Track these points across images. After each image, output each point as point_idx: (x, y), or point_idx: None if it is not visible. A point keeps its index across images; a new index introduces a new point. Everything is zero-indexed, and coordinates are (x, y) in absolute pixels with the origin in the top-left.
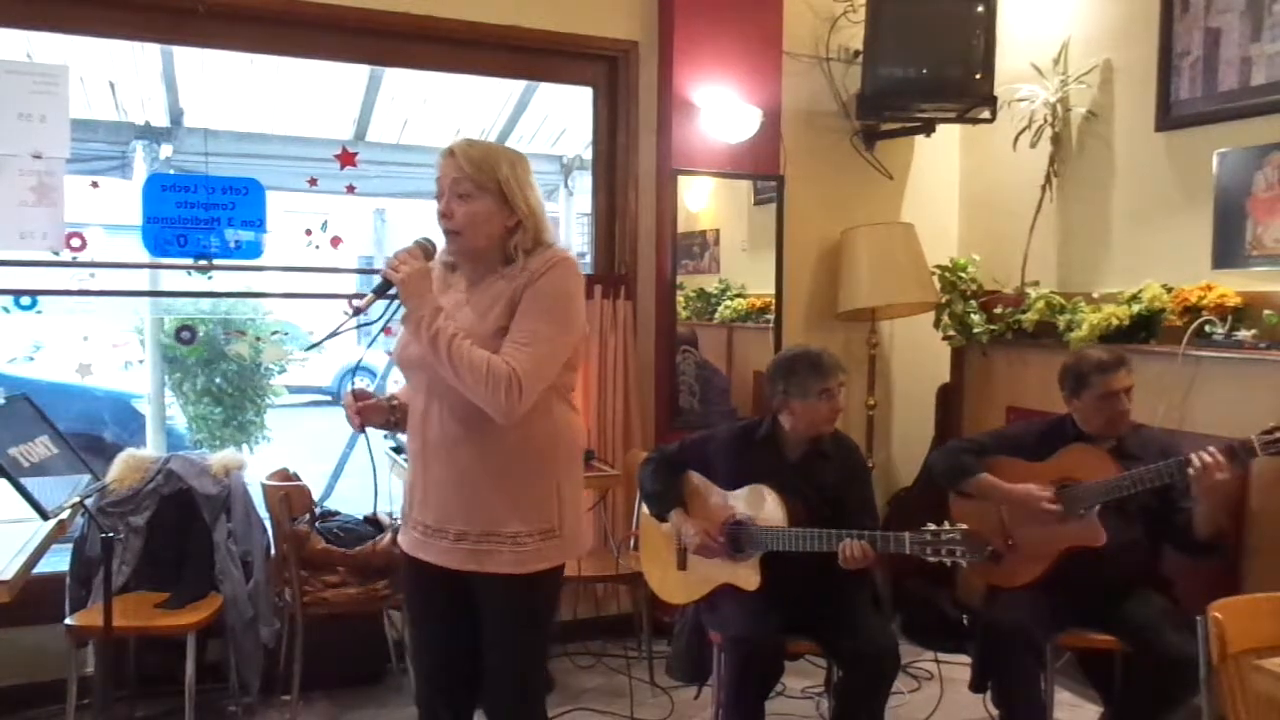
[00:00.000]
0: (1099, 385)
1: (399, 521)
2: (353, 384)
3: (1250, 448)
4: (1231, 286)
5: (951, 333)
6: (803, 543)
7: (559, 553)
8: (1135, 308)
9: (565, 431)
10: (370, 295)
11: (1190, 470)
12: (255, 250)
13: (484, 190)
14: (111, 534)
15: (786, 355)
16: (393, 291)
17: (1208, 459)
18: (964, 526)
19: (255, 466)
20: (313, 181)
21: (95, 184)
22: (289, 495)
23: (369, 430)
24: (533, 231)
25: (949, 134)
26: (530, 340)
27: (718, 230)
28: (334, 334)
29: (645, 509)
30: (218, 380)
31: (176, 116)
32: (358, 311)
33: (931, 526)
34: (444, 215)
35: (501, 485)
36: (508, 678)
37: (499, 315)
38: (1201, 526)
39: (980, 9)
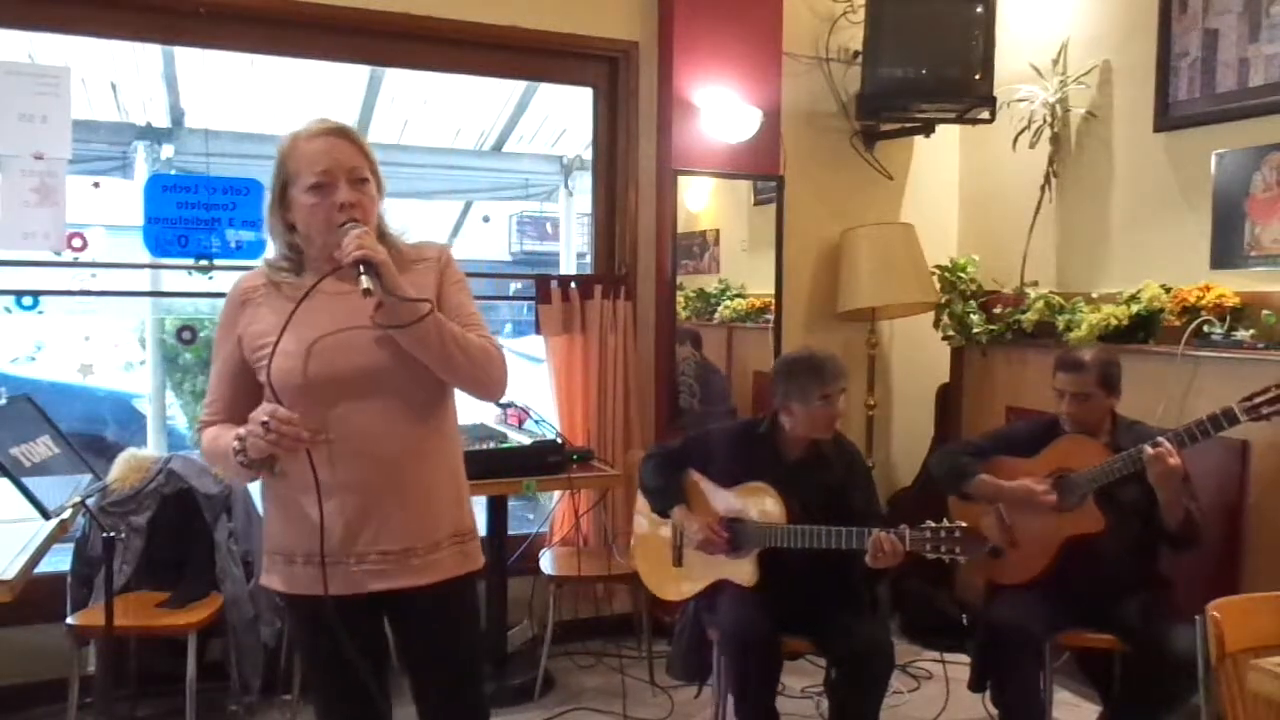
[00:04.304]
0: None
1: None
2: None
3: (1231, 414)
4: (1230, 287)
5: (951, 333)
6: (801, 539)
7: (478, 548)
8: (1134, 308)
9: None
10: (375, 283)
11: (1143, 457)
12: (256, 250)
13: (373, 177)
14: (112, 534)
15: (790, 358)
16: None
17: (1160, 447)
18: (964, 524)
19: None
20: None
21: (97, 184)
22: None
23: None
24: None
25: (949, 134)
26: (480, 322)
27: (718, 230)
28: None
29: (640, 505)
30: None
31: (178, 117)
32: (379, 307)
33: (931, 523)
34: (350, 205)
35: (452, 485)
36: (466, 690)
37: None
38: (1165, 516)
39: (980, 9)
